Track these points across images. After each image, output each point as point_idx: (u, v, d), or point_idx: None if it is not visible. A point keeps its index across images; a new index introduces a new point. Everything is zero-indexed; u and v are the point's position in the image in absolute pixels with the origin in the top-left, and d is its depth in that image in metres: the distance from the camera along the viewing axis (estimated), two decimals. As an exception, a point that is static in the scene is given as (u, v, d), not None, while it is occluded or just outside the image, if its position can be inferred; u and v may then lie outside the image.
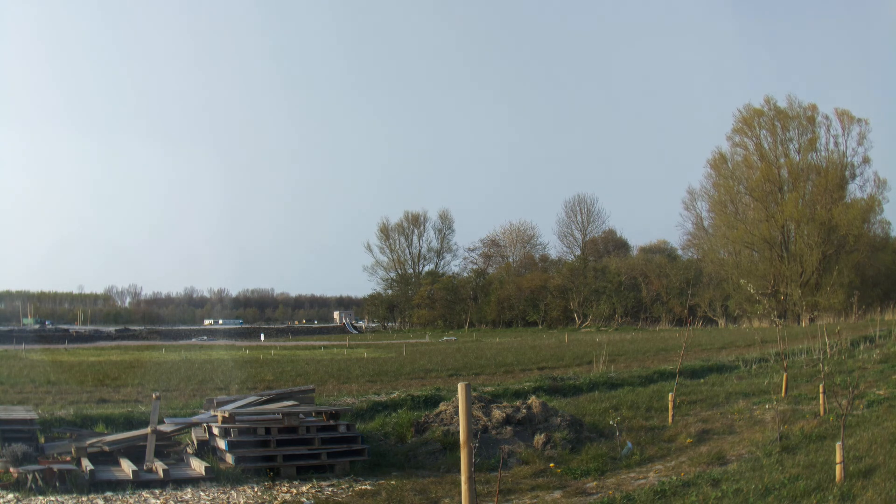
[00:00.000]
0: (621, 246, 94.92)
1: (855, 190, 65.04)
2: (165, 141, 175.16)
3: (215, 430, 10.36)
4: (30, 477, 8.53)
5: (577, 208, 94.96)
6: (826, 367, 15.58)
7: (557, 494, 8.35)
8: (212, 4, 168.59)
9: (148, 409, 12.54)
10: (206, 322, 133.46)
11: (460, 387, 5.99)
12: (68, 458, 9.80)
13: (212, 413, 10.97)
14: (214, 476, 9.19)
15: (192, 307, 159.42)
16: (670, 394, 13.11)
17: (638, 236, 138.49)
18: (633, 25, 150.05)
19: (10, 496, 8.23)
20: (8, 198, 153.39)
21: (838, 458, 7.29)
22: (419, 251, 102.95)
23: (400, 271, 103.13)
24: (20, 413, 11.54)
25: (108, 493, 8.54)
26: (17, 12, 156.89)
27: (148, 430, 9.96)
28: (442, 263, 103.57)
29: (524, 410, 11.67)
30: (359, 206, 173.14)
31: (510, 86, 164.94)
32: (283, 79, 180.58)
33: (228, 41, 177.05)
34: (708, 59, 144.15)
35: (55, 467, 8.74)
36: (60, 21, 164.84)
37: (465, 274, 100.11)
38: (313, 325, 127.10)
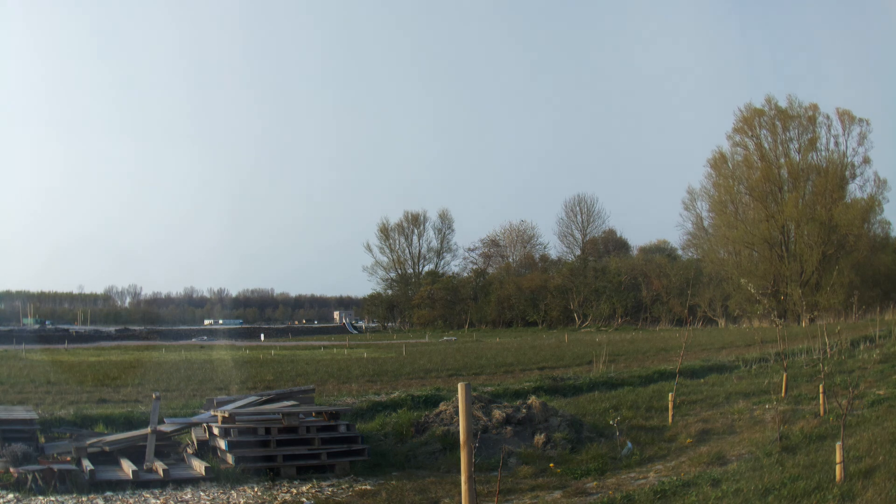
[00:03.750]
0: (621, 246, 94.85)
1: (855, 190, 64.98)
2: (166, 142, 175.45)
3: (215, 430, 10.36)
4: (30, 477, 8.53)
5: (577, 208, 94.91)
6: (826, 367, 15.58)
7: (557, 494, 8.35)
8: (215, 7, 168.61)
9: (148, 409, 12.54)
10: (206, 322, 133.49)
11: (460, 387, 5.99)
12: (68, 458, 9.80)
13: (212, 413, 10.96)
14: (214, 476, 9.18)
15: (192, 307, 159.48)
16: (670, 394, 13.10)
17: (638, 236, 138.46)
18: (633, 25, 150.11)
19: (10, 496, 8.23)
20: (9, 199, 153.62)
21: (838, 458, 7.29)
22: (419, 251, 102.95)
23: (400, 271, 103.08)
24: (20, 413, 11.54)
25: (109, 493, 8.54)
26: (15, 14, 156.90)
27: (148, 430, 9.96)
28: (442, 263, 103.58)
29: (524, 410, 11.67)
30: (359, 205, 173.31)
31: (510, 86, 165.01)
32: (283, 80, 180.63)
33: (230, 43, 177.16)
34: (708, 58, 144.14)
35: (55, 467, 8.73)
36: (61, 21, 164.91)
37: (465, 274, 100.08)
38: (313, 325, 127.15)
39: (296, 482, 9.35)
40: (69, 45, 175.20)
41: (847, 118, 63.68)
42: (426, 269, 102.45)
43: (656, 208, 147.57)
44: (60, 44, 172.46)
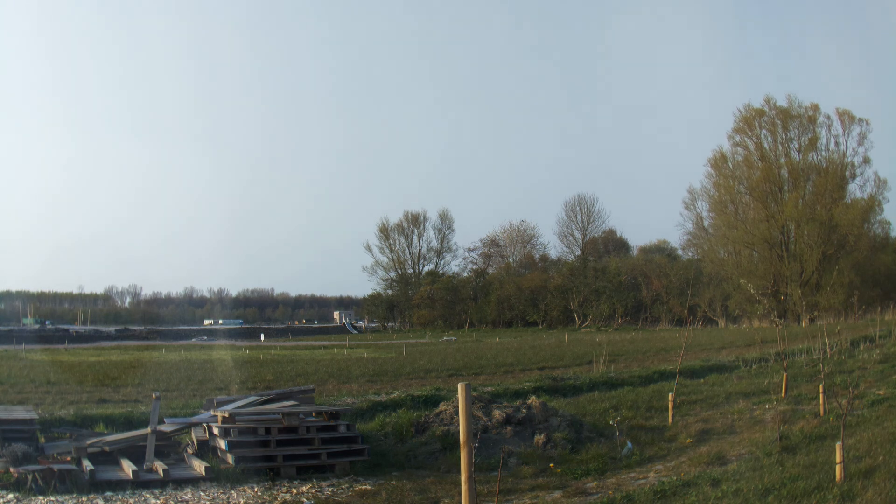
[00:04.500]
0: (621, 246, 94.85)
1: (855, 190, 64.95)
2: (167, 143, 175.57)
3: (215, 430, 10.36)
4: (30, 477, 8.53)
5: (577, 208, 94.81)
6: (826, 367, 15.57)
7: (557, 494, 8.35)
8: (221, 9, 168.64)
9: (148, 409, 12.54)
10: (206, 322, 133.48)
11: (460, 387, 5.99)
12: (68, 458, 9.80)
13: (212, 413, 10.97)
14: (214, 476, 9.18)
15: (192, 307, 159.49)
16: (670, 394, 13.10)
17: (638, 236, 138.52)
18: (633, 25, 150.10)
19: (10, 496, 8.22)
20: (10, 199, 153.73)
21: (838, 458, 7.29)
22: (419, 251, 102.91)
23: (400, 271, 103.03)
24: (20, 413, 11.54)
25: (108, 493, 8.54)
26: (17, 13, 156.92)
27: (148, 430, 9.96)
28: (442, 263, 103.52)
29: (524, 410, 11.67)
30: (359, 206, 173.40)
31: (510, 86, 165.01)
32: (284, 80, 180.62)
33: (233, 45, 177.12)
34: (708, 58, 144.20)
35: (55, 467, 8.73)
36: (62, 23, 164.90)
37: (465, 274, 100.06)
38: (313, 325, 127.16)
39: (296, 482, 9.34)
40: (73, 47, 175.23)
41: (847, 118, 63.67)
42: (426, 269, 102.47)
43: (656, 208, 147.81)
44: (64, 46, 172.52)
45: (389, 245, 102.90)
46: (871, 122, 63.86)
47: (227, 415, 10.25)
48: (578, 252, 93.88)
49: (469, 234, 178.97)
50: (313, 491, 8.84)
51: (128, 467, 9.28)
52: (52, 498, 8.24)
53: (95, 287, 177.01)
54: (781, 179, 65.28)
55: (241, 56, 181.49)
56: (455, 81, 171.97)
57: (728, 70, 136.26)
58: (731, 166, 68.70)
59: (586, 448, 10.67)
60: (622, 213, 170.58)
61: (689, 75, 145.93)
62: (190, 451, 10.70)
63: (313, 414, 11.00)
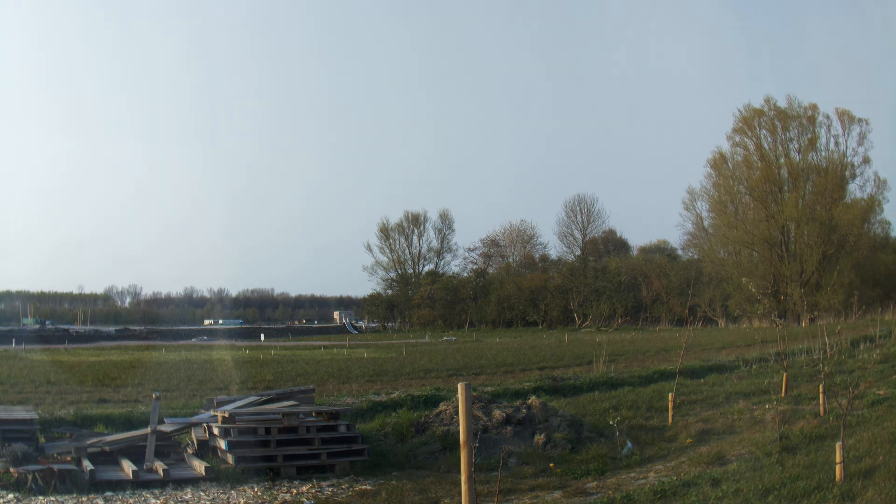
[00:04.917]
0: (621, 246, 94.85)
1: (855, 190, 64.92)
2: (167, 143, 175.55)
3: (215, 430, 10.36)
4: (30, 477, 8.53)
5: (577, 208, 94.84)
6: (826, 367, 15.56)
7: (557, 494, 8.35)
8: (216, 8, 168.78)
9: (148, 409, 12.54)
10: (206, 322, 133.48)
11: (460, 387, 5.99)
12: (68, 458, 9.80)
13: (212, 413, 10.97)
14: (214, 476, 9.19)
15: (192, 307, 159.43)
16: (670, 394, 13.10)
17: (638, 236, 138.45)
18: (633, 25, 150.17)
19: (10, 496, 8.23)
20: (10, 199, 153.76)
21: (838, 458, 7.29)
22: (419, 251, 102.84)
23: (400, 271, 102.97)
24: (20, 413, 11.54)
25: (108, 493, 8.55)
26: (16, 14, 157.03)
27: (148, 430, 9.96)
28: (442, 263, 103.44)
29: (524, 410, 11.67)
30: (359, 205, 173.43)
31: (510, 86, 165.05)
32: (283, 79, 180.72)
33: (231, 43, 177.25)
34: (708, 58, 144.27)
35: (55, 467, 8.73)
36: (60, 24, 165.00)
37: (465, 274, 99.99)
38: (313, 325, 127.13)
39: (296, 482, 9.35)
40: (71, 46, 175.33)
41: (847, 118, 63.64)
42: (426, 269, 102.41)
43: (656, 208, 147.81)
44: (63, 45, 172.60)
45: (390, 245, 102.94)
46: (870, 122, 63.85)
47: (227, 415, 10.26)
48: (578, 252, 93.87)
49: (469, 234, 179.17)
50: (313, 491, 8.85)
51: (128, 467, 9.29)
52: (52, 498, 8.24)
53: (95, 287, 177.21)
54: (781, 179, 65.27)
55: (240, 55, 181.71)
56: (455, 81, 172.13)
57: (728, 70, 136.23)
58: (730, 166, 68.74)
59: (586, 448, 10.67)
60: (622, 213, 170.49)
61: (690, 75, 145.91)
62: (190, 451, 10.70)
63: (313, 414, 11.00)
